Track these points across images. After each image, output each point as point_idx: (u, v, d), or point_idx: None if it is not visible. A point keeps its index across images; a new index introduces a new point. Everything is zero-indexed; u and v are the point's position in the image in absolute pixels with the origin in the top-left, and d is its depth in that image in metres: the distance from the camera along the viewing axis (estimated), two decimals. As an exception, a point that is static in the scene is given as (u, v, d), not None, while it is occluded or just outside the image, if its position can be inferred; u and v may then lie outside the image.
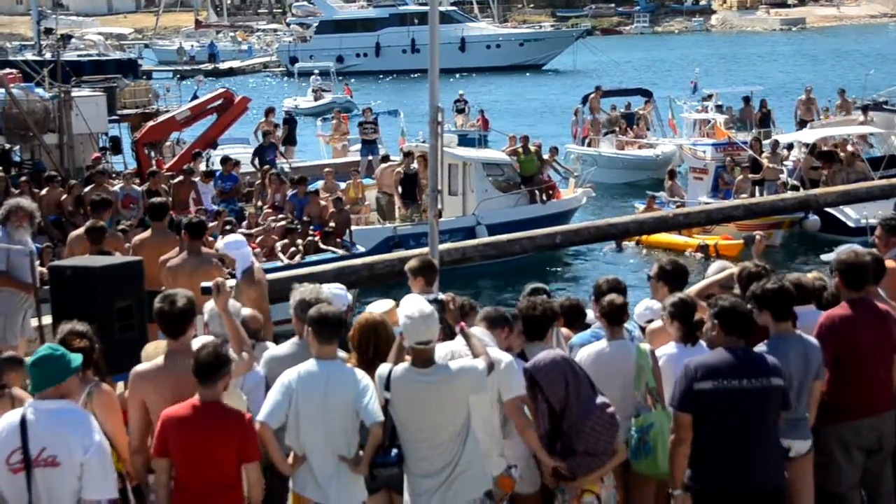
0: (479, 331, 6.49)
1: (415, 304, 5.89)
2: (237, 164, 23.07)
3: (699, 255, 22.82)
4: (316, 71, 56.67)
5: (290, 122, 30.21)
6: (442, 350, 6.21)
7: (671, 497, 6.35)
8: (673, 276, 7.39)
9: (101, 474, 5.50)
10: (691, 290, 7.32)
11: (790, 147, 27.21)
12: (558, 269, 24.22)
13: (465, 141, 29.98)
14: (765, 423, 6.16)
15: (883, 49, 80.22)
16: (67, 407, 5.52)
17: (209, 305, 6.53)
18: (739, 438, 6.11)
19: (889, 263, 7.69)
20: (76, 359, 5.58)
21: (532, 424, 6.32)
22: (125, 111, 28.64)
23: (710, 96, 33.60)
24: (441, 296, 6.50)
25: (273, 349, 6.83)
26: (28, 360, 5.55)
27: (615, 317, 6.82)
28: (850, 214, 23.51)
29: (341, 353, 6.32)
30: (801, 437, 6.63)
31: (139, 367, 6.21)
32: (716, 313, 6.25)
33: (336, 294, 7.01)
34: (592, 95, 36.45)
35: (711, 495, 6.19)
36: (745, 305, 6.32)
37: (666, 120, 35.37)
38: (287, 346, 6.68)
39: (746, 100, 32.95)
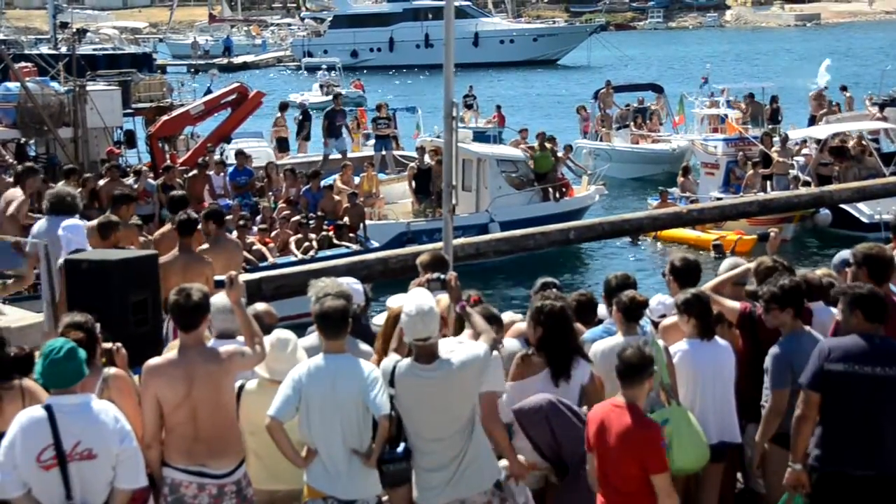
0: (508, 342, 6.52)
1: (414, 301, 5.90)
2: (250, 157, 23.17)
3: (714, 253, 22.76)
4: (324, 66, 56.68)
5: (305, 116, 30.22)
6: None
7: (789, 469, 6.28)
8: (685, 273, 7.38)
9: (136, 463, 5.58)
10: (706, 287, 7.31)
11: (804, 142, 27.15)
12: (572, 264, 24.19)
13: (480, 137, 29.99)
14: (891, 411, 6.09)
15: (898, 45, 79.87)
16: (92, 400, 5.56)
17: (214, 300, 6.54)
18: (868, 424, 6.07)
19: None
20: (83, 353, 5.63)
21: (502, 424, 6.25)
22: (140, 105, 28.72)
23: (722, 91, 33.54)
24: (444, 276, 6.49)
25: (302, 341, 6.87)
26: (43, 354, 5.56)
27: (634, 312, 6.78)
28: (863, 210, 23.45)
29: (364, 347, 6.37)
30: None
31: (152, 361, 6.24)
32: (853, 300, 6.19)
33: (353, 289, 7.03)
34: (603, 91, 36.45)
35: (834, 478, 6.15)
36: (881, 292, 6.23)
37: (672, 115, 35.35)
38: (311, 339, 6.72)
39: (751, 97, 32.94)
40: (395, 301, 6.90)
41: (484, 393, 6.05)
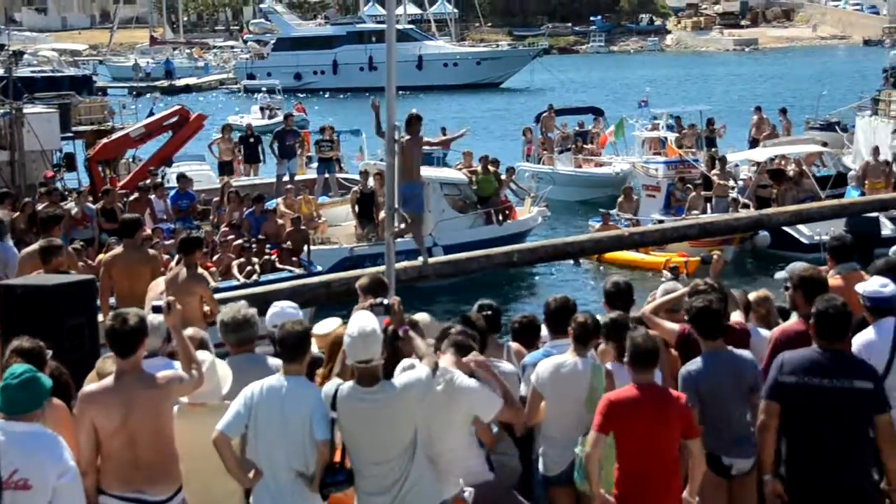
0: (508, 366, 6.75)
1: (356, 323, 5.89)
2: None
3: (669, 275, 22.91)
4: (263, 88, 56.48)
5: (257, 140, 29.84)
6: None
7: (763, 482, 6.50)
8: (616, 297, 7.48)
9: (72, 500, 5.49)
10: (645, 310, 7.37)
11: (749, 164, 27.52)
12: (515, 286, 24.25)
13: (425, 160, 29.92)
14: (847, 423, 6.25)
15: (833, 70, 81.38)
16: (39, 430, 5.48)
17: (148, 318, 6.47)
18: (823, 436, 6.25)
19: (834, 281, 7.81)
20: (48, 381, 5.56)
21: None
22: (80, 128, 28.37)
23: (661, 116, 33.97)
24: (387, 300, 6.49)
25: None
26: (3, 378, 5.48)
27: (583, 336, 6.83)
28: (803, 231, 23.78)
29: (273, 361, 6.33)
30: (743, 456, 6.70)
31: (88, 388, 6.16)
32: (814, 314, 6.40)
33: (287, 313, 7.01)
34: (546, 114, 36.67)
35: (798, 488, 6.36)
36: (842, 308, 6.39)
37: (602, 137, 35.70)
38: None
39: (678, 119, 33.47)
40: (322, 327, 6.89)
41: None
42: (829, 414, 6.25)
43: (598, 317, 7.44)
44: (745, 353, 6.80)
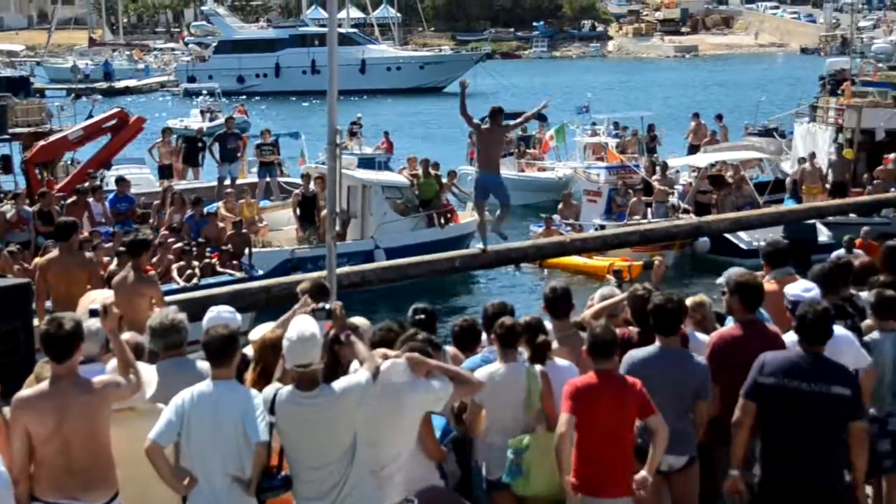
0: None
1: (296, 327, 5.86)
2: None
3: (614, 279, 23.01)
4: (204, 91, 56.09)
5: (202, 143, 29.50)
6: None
7: (729, 475, 6.61)
8: (554, 302, 7.53)
9: None
10: (584, 315, 7.42)
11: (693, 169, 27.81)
12: (458, 290, 24.26)
13: (367, 164, 29.90)
14: (821, 427, 6.35)
15: (771, 77, 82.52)
16: None
17: (85, 325, 6.38)
18: (798, 437, 6.36)
19: (769, 286, 7.92)
20: None
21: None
22: (16, 130, 27.93)
23: (602, 121, 34.25)
24: (329, 305, 6.46)
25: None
26: None
27: (509, 339, 6.89)
28: (742, 237, 24.06)
29: (202, 365, 6.30)
30: (675, 453, 6.77)
31: (22, 393, 6.05)
32: (797, 317, 6.55)
33: (224, 317, 6.97)
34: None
35: (769, 486, 6.48)
36: (823, 313, 6.50)
37: (542, 142, 35.90)
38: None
39: (616, 125, 33.77)
40: (257, 332, 6.85)
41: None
42: (805, 417, 6.36)
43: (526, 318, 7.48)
44: (700, 358, 6.86)
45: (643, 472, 6.45)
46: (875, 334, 7.47)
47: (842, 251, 16.34)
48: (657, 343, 6.88)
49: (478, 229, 16.56)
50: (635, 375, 6.70)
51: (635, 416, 6.46)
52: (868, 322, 7.66)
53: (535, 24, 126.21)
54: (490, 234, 15.95)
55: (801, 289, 7.38)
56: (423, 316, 7.34)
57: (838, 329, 7.18)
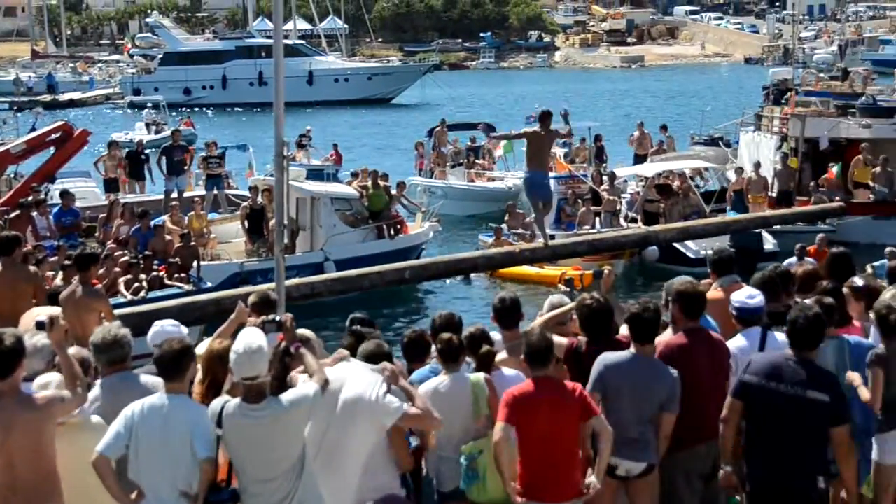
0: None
1: (243, 340, 5.84)
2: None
3: (565, 287, 23.09)
4: (149, 104, 55.69)
5: (145, 157, 29.20)
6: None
7: (722, 470, 6.76)
8: (503, 313, 7.55)
9: None
10: (533, 325, 7.44)
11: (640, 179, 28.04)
12: (408, 301, 24.24)
13: (316, 175, 29.81)
14: (797, 430, 6.43)
15: (716, 87, 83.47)
16: None
17: (31, 341, 6.31)
18: (775, 438, 6.48)
19: (716, 293, 7.99)
20: None
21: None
22: (-43, 143, 27.53)
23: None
24: (279, 316, 6.44)
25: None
26: None
27: (450, 354, 6.94)
28: (689, 246, 24.28)
29: (146, 379, 6.27)
30: (633, 459, 6.80)
31: None
32: (788, 322, 6.63)
33: (168, 331, 6.92)
34: (438, 129, 36.86)
35: (752, 481, 6.63)
36: (813, 318, 6.57)
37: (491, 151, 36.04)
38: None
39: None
40: (204, 346, 6.82)
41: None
42: (782, 419, 6.46)
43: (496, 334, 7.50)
44: (673, 370, 6.90)
45: (592, 477, 6.50)
46: None
47: (794, 259, 16.59)
48: (632, 349, 6.91)
49: (535, 224, 17.29)
50: (606, 379, 6.73)
51: (577, 419, 6.51)
52: None
53: (482, 35, 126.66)
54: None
55: (746, 296, 7.47)
56: (359, 326, 7.33)
57: (780, 334, 7.32)
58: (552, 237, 24.82)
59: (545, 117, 16.31)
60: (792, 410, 6.42)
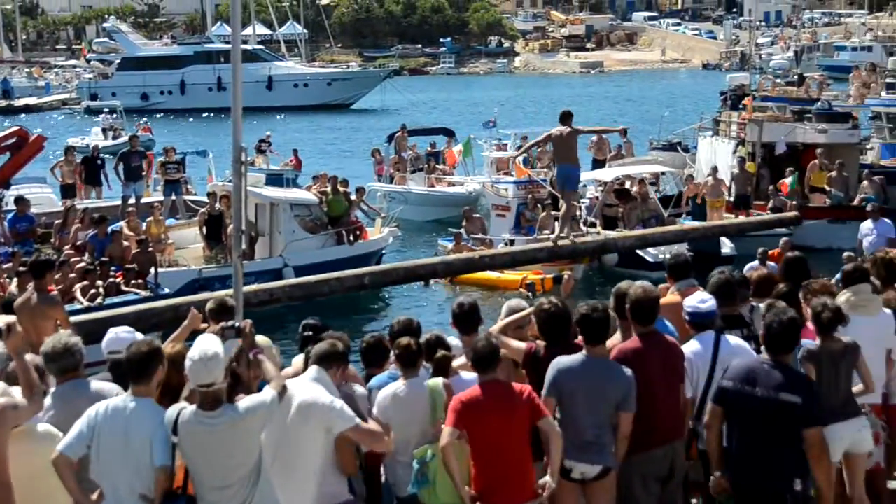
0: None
1: (199, 347, 5.82)
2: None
3: (526, 292, 23.13)
4: (106, 109, 55.27)
5: (102, 163, 28.92)
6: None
7: (712, 477, 6.84)
8: (461, 318, 7.55)
9: None
10: (492, 330, 7.45)
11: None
12: (367, 307, 24.20)
13: (275, 181, 29.70)
14: (772, 433, 6.51)
15: (675, 92, 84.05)
16: None
17: None
18: (750, 441, 6.59)
19: (673, 297, 8.04)
20: None
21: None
22: (-90, 149, 27.12)
23: (509, 136, 34.54)
24: (238, 323, 6.40)
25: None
26: None
27: (408, 359, 6.95)
28: (648, 250, 24.41)
29: (97, 386, 6.30)
30: (588, 462, 6.81)
31: None
32: (763, 326, 6.73)
33: (121, 338, 6.86)
34: (398, 134, 36.86)
35: (733, 483, 6.72)
36: (788, 323, 6.64)
37: (449, 153, 36.14)
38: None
39: (524, 138, 34.13)
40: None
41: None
42: (756, 422, 6.55)
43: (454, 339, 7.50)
44: (626, 369, 6.91)
45: (546, 478, 6.53)
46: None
47: (756, 262, 16.74)
48: (584, 352, 6.93)
49: (561, 219, 17.78)
50: (560, 383, 6.75)
51: (527, 421, 6.54)
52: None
53: (442, 40, 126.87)
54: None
55: (698, 300, 7.53)
56: (311, 332, 7.30)
57: (733, 338, 7.42)
58: (511, 242, 24.96)
59: (566, 117, 17.28)
60: (766, 413, 6.50)
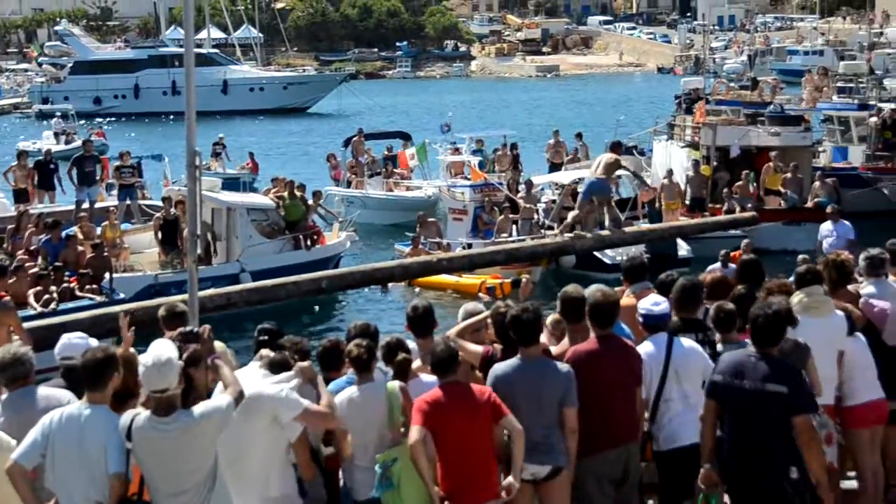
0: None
1: (152, 352, 5.79)
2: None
3: (486, 297, 23.14)
4: (58, 113, 54.72)
5: (56, 166, 28.62)
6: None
7: (702, 469, 6.87)
8: (415, 321, 7.55)
9: None
10: (449, 333, 7.46)
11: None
12: (325, 311, 24.12)
13: (231, 185, 29.55)
14: (762, 424, 6.60)
15: (630, 96, 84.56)
16: None
17: None
18: (743, 433, 6.68)
19: (628, 300, 8.09)
20: None
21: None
22: None
23: (464, 140, 34.66)
24: (196, 328, 6.37)
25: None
26: None
27: (360, 364, 6.94)
28: (606, 252, 24.52)
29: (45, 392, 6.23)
30: (536, 462, 6.84)
31: None
32: (749, 319, 6.81)
33: (74, 344, 6.80)
34: (355, 138, 36.79)
35: (728, 476, 6.81)
36: (773, 316, 6.71)
37: (401, 155, 36.26)
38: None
39: (480, 142, 34.42)
40: None
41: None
42: (746, 413, 6.65)
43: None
44: (563, 365, 6.95)
45: (509, 478, 6.57)
46: (720, 347, 7.70)
47: (718, 265, 16.86)
48: (518, 355, 6.96)
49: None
50: (499, 389, 6.78)
51: (490, 421, 6.60)
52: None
53: (398, 44, 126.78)
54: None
55: (651, 303, 7.59)
56: (266, 337, 7.28)
57: (686, 340, 7.49)
58: (469, 246, 24.96)
59: (615, 147, 18.41)
60: (755, 404, 6.60)
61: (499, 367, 6.95)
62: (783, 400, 6.56)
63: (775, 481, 6.62)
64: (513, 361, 6.95)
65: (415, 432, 6.51)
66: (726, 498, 6.96)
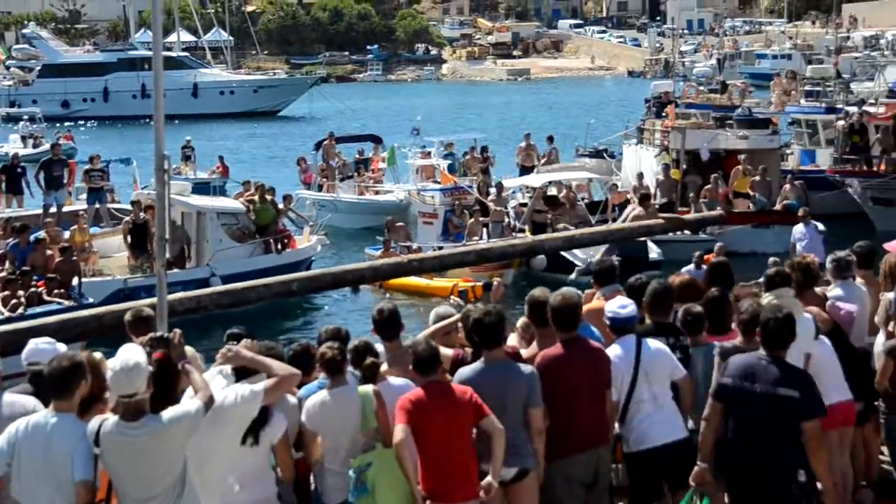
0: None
1: (120, 356, 5.75)
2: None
3: (458, 300, 23.09)
4: (25, 116, 54.36)
5: (22, 171, 28.36)
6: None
7: (696, 467, 6.86)
8: (381, 324, 7.53)
9: None
10: (419, 337, 7.46)
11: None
12: (296, 314, 24.06)
13: (202, 189, 29.43)
14: (772, 428, 6.60)
15: (600, 99, 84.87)
16: None
17: None
18: (751, 436, 6.65)
19: (598, 302, 8.12)
20: None
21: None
22: None
23: (434, 143, 34.67)
24: (167, 333, 6.34)
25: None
26: None
27: (332, 367, 6.93)
28: (577, 255, 24.60)
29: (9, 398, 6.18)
30: (504, 464, 6.81)
31: None
32: (760, 323, 6.79)
33: (41, 349, 6.75)
34: (326, 142, 36.74)
35: (733, 480, 6.78)
36: (783, 320, 6.71)
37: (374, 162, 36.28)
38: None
39: (450, 145, 34.44)
40: None
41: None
42: (756, 417, 6.64)
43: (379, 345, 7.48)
44: (526, 366, 6.98)
45: (488, 478, 6.60)
46: (691, 350, 7.73)
47: (692, 267, 16.96)
48: (482, 358, 6.98)
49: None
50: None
51: (471, 421, 6.63)
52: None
53: (369, 47, 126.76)
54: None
55: (618, 305, 7.61)
56: (236, 341, 7.26)
57: (653, 342, 7.51)
58: (439, 249, 24.93)
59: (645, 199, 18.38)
60: (765, 408, 6.60)
61: (463, 371, 6.98)
62: (794, 404, 6.57)
63: (782, 483, 6.63)
64: (476, 365, 6.98)
65: (399, 431, 6.52)
66: (726, 498, 6.97)
